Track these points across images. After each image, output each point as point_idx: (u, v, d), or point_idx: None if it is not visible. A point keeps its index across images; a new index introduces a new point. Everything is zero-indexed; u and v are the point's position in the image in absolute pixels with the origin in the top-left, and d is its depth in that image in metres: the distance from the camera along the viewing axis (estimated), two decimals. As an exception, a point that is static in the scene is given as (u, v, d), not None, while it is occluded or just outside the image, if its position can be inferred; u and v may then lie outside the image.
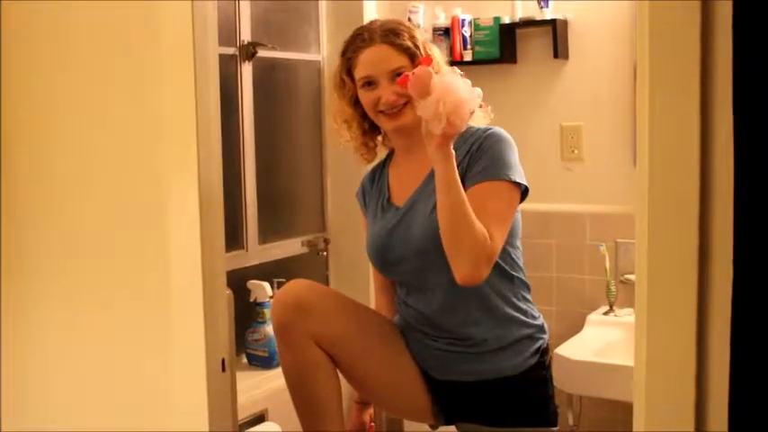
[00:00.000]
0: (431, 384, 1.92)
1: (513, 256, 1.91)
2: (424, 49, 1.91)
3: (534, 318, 1.93)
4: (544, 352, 1.92)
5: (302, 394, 1.87)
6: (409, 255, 1.89)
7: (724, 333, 0.96)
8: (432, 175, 1.77)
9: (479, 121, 1.91)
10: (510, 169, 1.81)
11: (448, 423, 1.96)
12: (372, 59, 1.88)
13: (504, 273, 1.88)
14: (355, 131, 2.00)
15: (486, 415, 1.90)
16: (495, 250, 1.74)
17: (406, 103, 1.85)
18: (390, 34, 1.88)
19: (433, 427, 2.00)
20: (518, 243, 1.93)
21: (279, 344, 1.88)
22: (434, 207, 1.76)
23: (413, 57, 1.87)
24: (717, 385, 0.97)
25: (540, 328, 1.93)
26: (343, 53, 1.95)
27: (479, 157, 1.82)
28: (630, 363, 1.08)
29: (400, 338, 1.96)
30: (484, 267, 1.72)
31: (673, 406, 1.01)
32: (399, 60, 1.87)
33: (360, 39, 1.92)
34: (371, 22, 1.97)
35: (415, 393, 1.93)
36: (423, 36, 1.97)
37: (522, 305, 1.91)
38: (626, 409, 1.16)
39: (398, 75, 1.82)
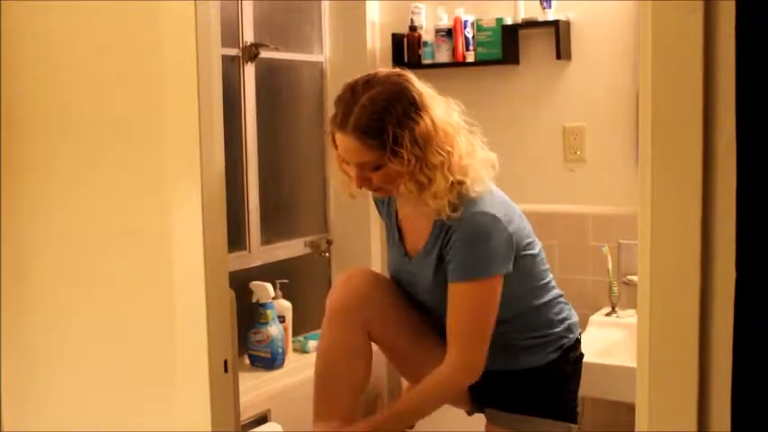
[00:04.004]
0: None
1: (539, 285, 1.96)
2: (406, 140, 1.75)
3: (561, 322, 1.99)
4: (568, 350, 1.98)
5: (332, 372, 1.94)
6: (421, 303, 2.00)
7: (726, 334, 0.96)
8: (437, 225, 1.85)
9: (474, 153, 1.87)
10: (482, 265, 1.81)
11: (480, 408, 2.05)
12: (343, 146, 1.80)
13: (530, 306, 1.95)
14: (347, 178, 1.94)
15: (509, 402, 1.99)
16: (473, 363, 1.85)
17: (378, 188, 1.85)
18: (363, 127, 1.75)
19: (469, 413, 2.09)
20: (537, 270, 1.96)
21: (330, 323, 1.95)
22: (435, 272, 1.87)
23: (383, 153, 1.76)
24: (719, 386, 0.97)
25: (567, 329, 2.00)
26: (333, 113, 1.84)
27: (451, 251, 1.83)
28: (633, 364, 1.08)
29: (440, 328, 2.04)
30: (474, 377, 1.87)
31: (675, 406, 1.01)
32: (368, 156, 1.77)
33: (341, 109, 1.80)
34: (366, 83, 1.80)
35: None
36: (414, 119, 1.76)
37: (550, 316, 1.97)
38: (629, 410, 1.16)
39: (376, 167, 1.79)
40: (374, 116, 1.75)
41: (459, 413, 2.13)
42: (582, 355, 2.05)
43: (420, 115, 1.77)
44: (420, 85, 1.82)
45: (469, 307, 1.85)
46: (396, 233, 2.01)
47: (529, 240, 1.91)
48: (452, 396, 1.98)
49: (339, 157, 1.88)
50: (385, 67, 1.87)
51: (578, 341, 2.03)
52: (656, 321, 1.02)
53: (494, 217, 1.80)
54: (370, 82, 1.80)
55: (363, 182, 1.83)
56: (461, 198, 1.81)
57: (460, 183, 1.80)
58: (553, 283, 2.02)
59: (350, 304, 1.94)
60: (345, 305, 1.94)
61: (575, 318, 2.05)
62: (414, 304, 2.01)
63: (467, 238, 1.81)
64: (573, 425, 1.98)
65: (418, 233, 1.92)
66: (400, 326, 2.00)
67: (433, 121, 1.78)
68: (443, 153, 1.78)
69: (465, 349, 1.86)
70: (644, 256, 1.02)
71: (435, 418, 2.13)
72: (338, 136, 1.81)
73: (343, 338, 1.93)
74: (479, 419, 2.06)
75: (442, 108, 1.83)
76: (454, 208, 1.80)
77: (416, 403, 1.93)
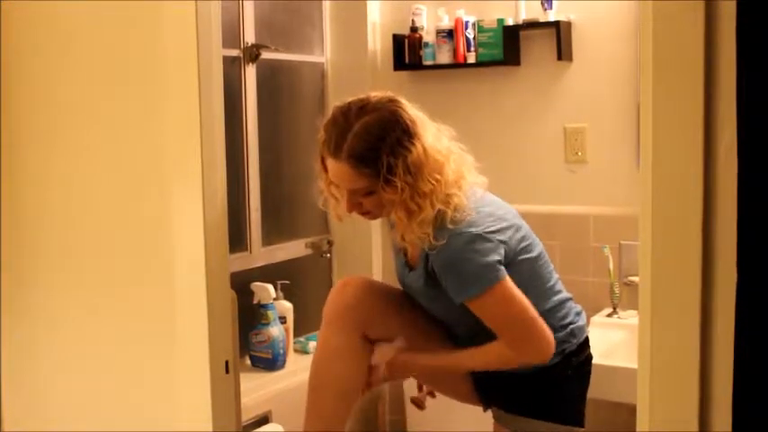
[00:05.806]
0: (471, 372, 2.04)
1: (542, 289, 1.95)
2: (399, 168, 1.74)
3: (564, 327, 1.98)
4: (571, 354, 1.97)
5: (322, 372, 1.94)
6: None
7: (727, 334, 0.96)
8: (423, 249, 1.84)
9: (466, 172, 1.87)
10: (474, 284, 1.80)
11: (487, 407, 2.08)
12: (335, 172, 1.79)
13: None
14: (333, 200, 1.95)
15: (512, 403, 2.00)
16: (537, 333, 1.85)
17: (367, 212, 1.86)
18: (358, 155, 1.74)
19: (484, 409, 2.11)
20: (539, 274, 1.95)
21: (324, 328, 1.97)
22: (425, 286, 1.89)
23: (376, 180, 1.75)
24: (720, 386, 0.97)
25: (570, 333, 1.98)
26: (323, 137, 1.81)
27: (441, 276, 1.83)
28: (634, 365, 1.07)
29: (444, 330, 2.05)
30: (546, 349, 1.86)
31: (677, 407, 1.01)
32: (361, 182, 1.77)
33: (333, 135, 1.77)
34: (359, 109, 1.78)
35: (456, 378, 2.05)
36: (406, 145, 1.75)
37: (552, 322, 1.96)
38: (630, 411, 1.15)
39: (368, 192, 1.79)
40: (369, 144, 1.74)
41: (463, 414, 2.12)
42: (589, 359, 2.04)
43: (413, 143, 1.76)
44: (412, 111, 1.81)
45: (492, 315, 1.85)
46: (397, 242, 2.01)
47: (525, 243, 1.90)
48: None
49: (327, 180, 1.87)
50: (378, 91, 1.85)
51: (583, 345, 2.02)
52: (657, 322, 1.02)
53: (469, 234, 1.79)
54: (363, 108, 1.78)
55: (354, 207, 1.84)
56: (438, 228, 1.79)
57: (441, 212, 1.79)
58: (559, 286, 2.00)
59: (343, 307, 1.95)
60: (338, 309, 1.95)
61: (581, 321, 2.03)
62: (419, 306, 2.02)
63: (445, 266, 1.81)
64: (576, 428, 1.98)
65: (414, 247, 1.93)
66: (402, 327, 2.00)
67: (424, 148, 1.77)
68: (433, 181, 1.77)
69: (515, 342, 1.86)
70: (645, 257, 1.02)
71: (440, 419, 2.13)
72: (330, 162, 1.79)
73: (335, 341, 1.94)
74: (485, 420, 2.07)
75: (432, 134, 1.82)
76: (435, 237, 1.79)
77: (468, 359, 1.96)
